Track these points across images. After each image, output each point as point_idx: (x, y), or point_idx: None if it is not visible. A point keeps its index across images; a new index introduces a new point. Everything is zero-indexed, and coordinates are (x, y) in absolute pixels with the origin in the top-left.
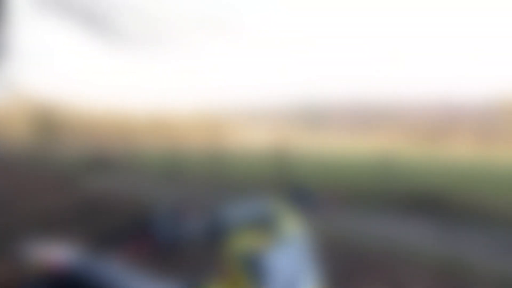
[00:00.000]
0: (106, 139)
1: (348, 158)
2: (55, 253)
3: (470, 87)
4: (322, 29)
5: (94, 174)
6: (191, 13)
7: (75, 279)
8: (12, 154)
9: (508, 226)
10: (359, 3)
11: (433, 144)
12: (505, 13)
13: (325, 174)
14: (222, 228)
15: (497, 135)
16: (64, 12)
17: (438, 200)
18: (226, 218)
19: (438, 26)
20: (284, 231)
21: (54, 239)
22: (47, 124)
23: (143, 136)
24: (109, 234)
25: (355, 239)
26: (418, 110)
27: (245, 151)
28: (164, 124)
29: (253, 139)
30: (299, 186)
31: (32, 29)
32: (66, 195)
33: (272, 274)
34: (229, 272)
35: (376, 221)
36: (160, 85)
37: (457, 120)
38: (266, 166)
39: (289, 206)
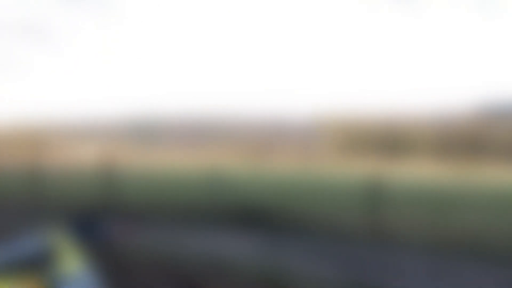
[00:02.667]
0: None
1: (180, 174)
2: None
3: (295, 103)
4: (154, 42)
5: None
6: (6, 18)
7: None
8: None
9: (331, 238)
10: (194, 18)
11: (261, 159)
12: (330, 34)
13: (156, 192)
14: None
15: (319, 151)
16: None
17: (265, 214)
18: None
19: (267, 43)
20: (63, 269)
21: None
22: None
23: None
24: None
25: (183, 256)
26: (248, 125)
27: (69, 170)
28: None
29: (79, 156)
30: (85, 214)
31: None
32: None
33: None
34: None
35: (206, 237)
36: None
37: (283, 136)
38: (93, 185)
39: (73, 238)
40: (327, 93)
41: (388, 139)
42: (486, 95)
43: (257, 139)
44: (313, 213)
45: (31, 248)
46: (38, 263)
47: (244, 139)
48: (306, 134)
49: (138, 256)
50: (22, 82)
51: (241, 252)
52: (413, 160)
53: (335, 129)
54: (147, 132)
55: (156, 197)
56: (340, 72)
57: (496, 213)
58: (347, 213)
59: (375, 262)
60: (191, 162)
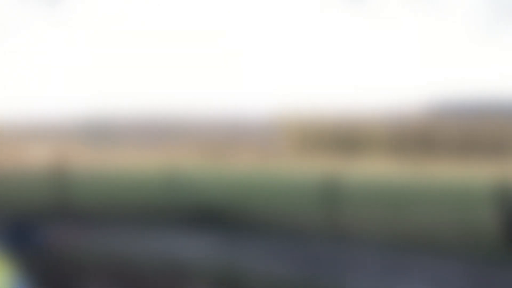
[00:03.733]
0: None
1: (136, 175)
2: None
3: (252, 103)
4: (109, 41)
5: None
6: None
7: None
8: None
9: (289, 236)
10: (148, 17)
11: (219, 159)
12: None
13: (111, 193)
14: None
15: (276, 150)
16: None
17: (222, 214)
18: None
19: (224, 43)
20: None
21: None
22: None
23: None
24: None
25: (136, 258)
26: (206, 125)
27: (19, 172)
28: None
29: (30, 158)
30: (21, 220)
31: None
32: None
33: None
34: None
35: (161, 238)
36: None
37: (241, 136)
38: (43, 187)
39: (5, 246)
40: (284, 93)
41: (343, 138)
42: (436, 94)
43: (215, 139)
44: (270, 211)
45: None
46: None
47: (202, 139)
48: (264, 134)
49: (87, 260)
50: None
51: (197, 252)
52: (367, 158)
53: (292, 129)
54: (101, 133)
55: (111, 199)
56: (296, 72)
57: (447, 208)
58: (305, 211)
59: (332, 259)
60: (148, 162)
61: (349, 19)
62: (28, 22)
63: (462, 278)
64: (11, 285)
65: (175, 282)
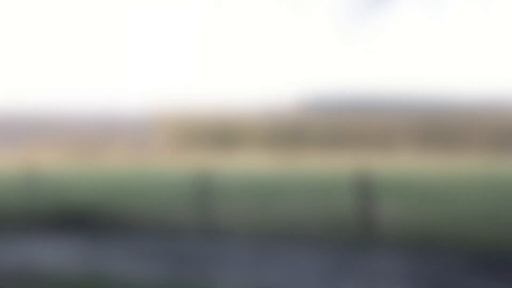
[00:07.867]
0: None
1: None
2: None
3: (125, 99)
4: None
5: None
6: None
7: None
8: None
9: (161, 235)
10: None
11: (88, 157)
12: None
13: None
14: None
15: (151, 147)
16: None
17: (88, 216)
18: None
19: (95, 39)
20: None
21: None
22: None
23: None
24: None
25: None
26: (73, 122)
27: None
28: None
29: None
30: None
31: None
32: None
33: None
34: None
35: (20, 243)
36: None
37: (113, 133)
38: None
39: None
40: (159, 89)
41: (218, 134)
42: (306, 91)
43: (84, 136)
44: (143, 210)
45: None
46: None
47: (69, 137)
48: (138, 131)
49: None
50: None
51: (60, 258)
52: (242, 152)
53: (167, 125)
54: None
55: None
56: (170, 69)
57: (315, 199)
58: (179, 208)
59: (206, 255)
60: (5, 161)
61: (220, 18)
62: None
63: (326, 265)
64: None
65: None
